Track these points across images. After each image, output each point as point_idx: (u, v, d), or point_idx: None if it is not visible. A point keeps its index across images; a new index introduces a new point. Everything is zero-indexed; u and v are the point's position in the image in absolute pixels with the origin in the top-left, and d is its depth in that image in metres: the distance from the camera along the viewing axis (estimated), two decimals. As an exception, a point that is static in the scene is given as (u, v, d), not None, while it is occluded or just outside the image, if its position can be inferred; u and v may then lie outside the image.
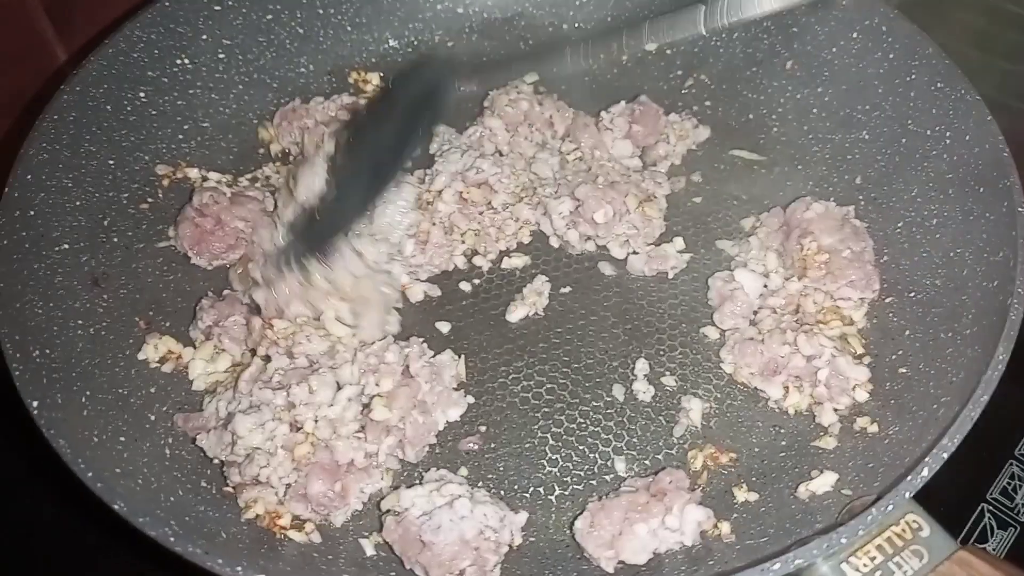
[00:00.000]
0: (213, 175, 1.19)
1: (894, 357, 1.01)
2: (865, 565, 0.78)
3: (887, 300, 1.07)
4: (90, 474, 0.79)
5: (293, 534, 0.91)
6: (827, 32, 1.21)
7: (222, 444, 0.94)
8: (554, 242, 1.18)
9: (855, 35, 1.17)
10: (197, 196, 1.10)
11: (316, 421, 0.94)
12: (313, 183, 1.05)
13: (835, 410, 0.99)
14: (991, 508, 1.14)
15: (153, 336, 1.04)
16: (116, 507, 0.77)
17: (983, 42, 1.38)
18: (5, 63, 1.19)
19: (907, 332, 1.02)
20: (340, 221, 1.04)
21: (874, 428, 0.96)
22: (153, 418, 0.99)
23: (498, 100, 1.24)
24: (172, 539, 0.75)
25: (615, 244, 1.16)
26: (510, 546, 0.90)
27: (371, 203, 1.07)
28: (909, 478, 0.76)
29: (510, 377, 1.06)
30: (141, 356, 1.03)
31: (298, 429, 0.94)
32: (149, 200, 1.16)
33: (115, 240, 1.10)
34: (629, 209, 1.13)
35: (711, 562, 0.88)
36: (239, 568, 0.73)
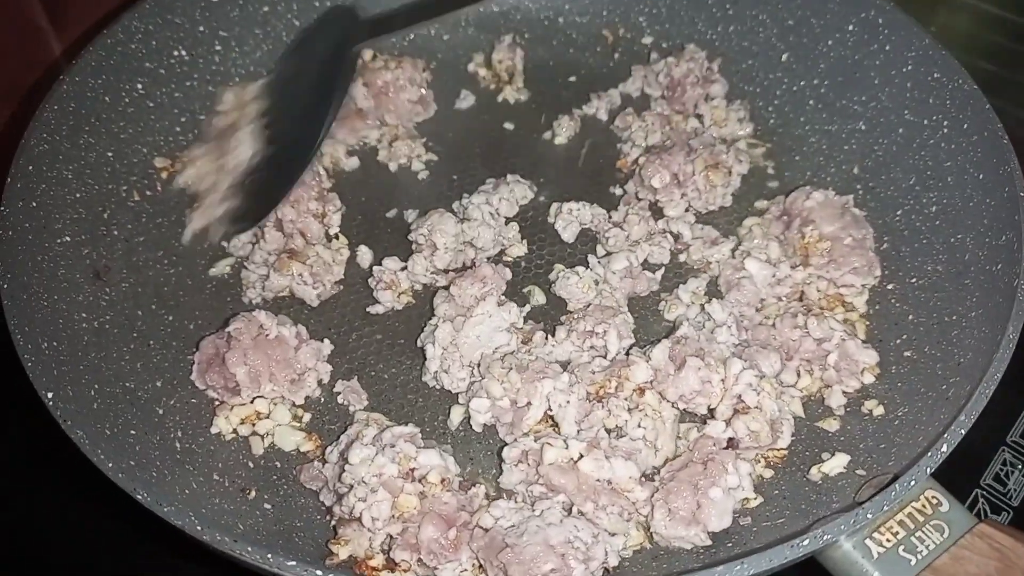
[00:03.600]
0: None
1: (899, 341, 1.03)
2: (888, 540, 0.80)
3: (889, 287, 1.09)
4: (111, 464, 0.78)
5: (386, 575, 0.88)
6: (823, 25, 1.23)
7: (335, 474, 0.92)
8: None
9: (851, 27, 1.19)
10: (235, 322, 1.01)
11: (443, 480, 0.90)
12: (244, 149, 1.07)
13: (844, 392, 1.00)
14: (985, 493, 1.17)
15: (224, 408, 1.01)
16: (139, 497, 0.76)
17: (968, 44, 1.41)
18: (0, 55, 1.16)
19: (911, 317, 1.04)
20: (286, 178, 1.06)
21: (881, 410, 0.98)
22: (161, 412, 0.98)
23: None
24: (199, 528, 0.74)
25: (671, 206, 1.18)
26: (606, 568, 0.86)
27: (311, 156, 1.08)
28: (929, 454, 0.78)
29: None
30: (214, 430, 0.99)
31: (413, 480, 0.89)
32: (148, 193, 1.15)
33: (115, 233, 1.09)
34: (695, 172, 1.15)
35: (729, 544, 0.89)
36: (269, 556, 0.72)
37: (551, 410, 0.95)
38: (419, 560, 0.86)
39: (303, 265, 1.09)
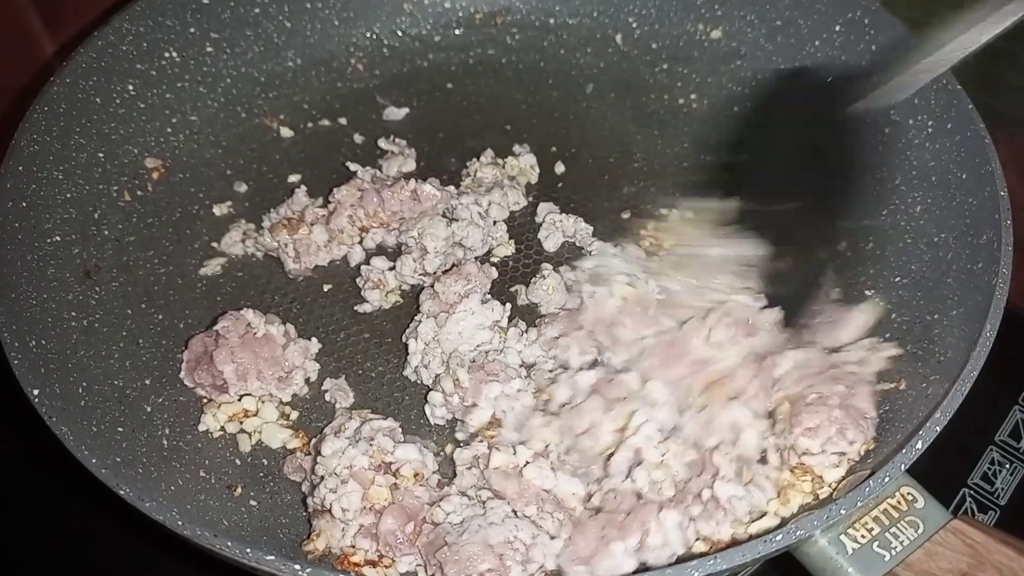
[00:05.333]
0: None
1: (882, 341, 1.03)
2: (863, 536, 0.80)
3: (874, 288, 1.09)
4: (94, 460, 0.79)
5: (368, 571, 0.87)
6: (810, 26, 1.23)
7: (311, 467, 0.93)
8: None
9: (837, 28, 1.20)
10: (223, 321, 1.02)
11: (416, 475, 0.91)
12: None
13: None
14: (972, 493, 1.18)
15: (211, 406, 1.02)
16: (122, 493, 0.77)
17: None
18: (-8, 55, 1.18)
19: (894, 316, 1.04)
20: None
21: (863, 409, 0.99)
22: (149, 409, 0.99)
23: None
24: (180, 523, 0.75)
25: None
26: (545, 572, 0.85)
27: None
28: (904, 451, 0.78)
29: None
30: (202, 427, 1.00)
31: (386, 472, 0.90)
32: (139, 193, 1.16)
33: (106, 233, 1.10)
34: None
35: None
36: (248, 550, 0.73)
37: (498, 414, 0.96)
38: (377, 550, 0.87)
39: (290, 237, 1.13)
